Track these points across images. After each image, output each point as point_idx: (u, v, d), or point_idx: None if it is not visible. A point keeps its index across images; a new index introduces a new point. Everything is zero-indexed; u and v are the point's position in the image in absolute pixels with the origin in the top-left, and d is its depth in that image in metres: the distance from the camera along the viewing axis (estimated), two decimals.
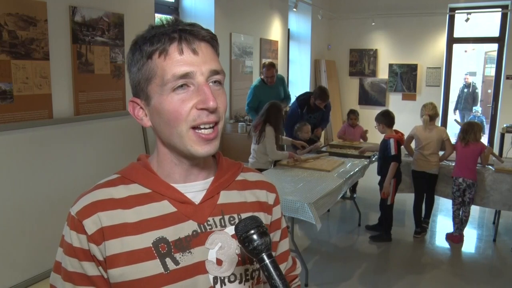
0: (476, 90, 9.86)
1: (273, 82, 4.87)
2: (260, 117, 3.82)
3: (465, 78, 9.83)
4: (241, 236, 0.70)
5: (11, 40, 2.56)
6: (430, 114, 4.08)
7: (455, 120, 5.97)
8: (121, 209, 0.77)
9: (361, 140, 5.43)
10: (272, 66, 4.80)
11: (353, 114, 5.51)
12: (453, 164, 4.18)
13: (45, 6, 2.75)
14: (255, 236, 0.69)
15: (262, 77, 4.94)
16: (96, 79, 3.19)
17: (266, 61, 5.14)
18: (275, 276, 0.68)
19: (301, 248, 3.71)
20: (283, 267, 0.96)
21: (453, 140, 4.25)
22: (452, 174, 4.04)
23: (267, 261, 0.69)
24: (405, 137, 4.19)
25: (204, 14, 4.86)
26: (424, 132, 4.09)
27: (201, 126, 0.75)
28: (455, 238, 4.03)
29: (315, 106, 4.81)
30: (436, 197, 4.37)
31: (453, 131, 7.39)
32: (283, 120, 4.07)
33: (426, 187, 4.19)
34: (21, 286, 2.42)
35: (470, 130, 3.90)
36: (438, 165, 4.10)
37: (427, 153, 4.05)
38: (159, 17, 4.27)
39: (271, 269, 0.69)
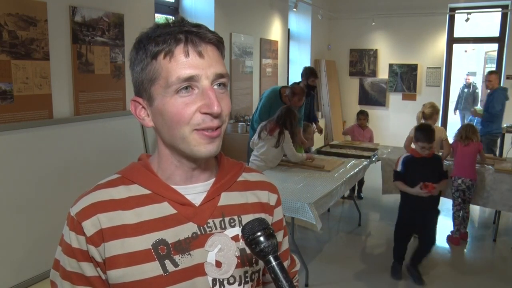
0: (477, 90, 9.83)
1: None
2: (276, 120, 3.75)
3: (466, 79, 9.78)
4: (248, 238, 0.70)
5: (11, 40, 2.56)
6: (425, 112, 4.08)
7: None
8: (121, 210, 0.77)
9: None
10: (303, 95, 4.33)
11: (362, 114, 5.48)
12: (448, 162, 4.19)
13: (45, 6, 2.75)
14: (262, 238, 0.69)
15: (285, 95, 4.31)
16: (96, 79, 3.19)
17: (296, 87, 4.39)
18: (281, 279, 0.68)
19: (302, 248, 3.71)
20: (285, 265, 0.97)
21: (450, 140, 4.25)
22: (451, 174, 4.03)
23: (273, 263, 0.69)
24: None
25: (204, 14, 4.86)
26: None
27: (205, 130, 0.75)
28: (455, 240, 4.03)
29: (308, 89, 4.84)
30: None
31: (453, 131, 7.39)
32: (297, 125, 3.99)
33: None
34: (21, 286, 2.42)
35: (471, 130, 3.94)
36: None
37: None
38: (161, 17, 4.27)
39: (278, 271, 0.69)
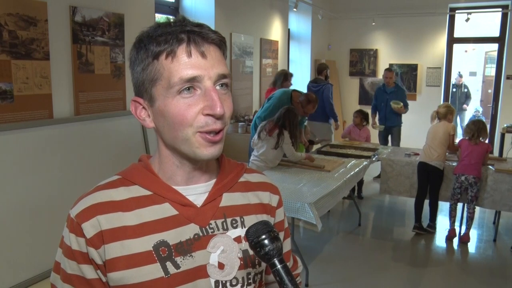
0: (465, 90, 9.52)
1: (305, 116, 4.53)
2: (276, 121, 3.75)
3: (458, 79, 9.46)
4: (253, 241, 0.70)
5: (12, 40, 2.55)
6: (439, 111, 4.12)
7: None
8: (121, 211, 0.76)
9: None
10: (316, 103, 4.35)
11: (358, 114, 5.49)
12: (451, 164, 4.18)
13: (45, 6, 2.74)
14: (266, 241, 0.69)
15: (297, 101, 4.28)
16: (96, 79, 3.19)
17: (312, 94, 4.44)
18: (287, 281, 0.68)
19: (302, 248, 3.71)
20: None
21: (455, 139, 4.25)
22: (454, 171, 4.02)
23: (279, 266, 0.69)
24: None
25: (204, 14, 4.86)
26: (432, 127, 4.14)
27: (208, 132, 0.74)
28: (452, 232, 4.04)
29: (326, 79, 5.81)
30: None
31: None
32: (298, 126, 3.99)
33: (430, 185, 4.15)
34: (21, 286, 2.42)
35: (483, 128, 3.90)
36: (441, 159, 4.06)
37: (431, 144, 4.05)
38: (162, 17, 4.26)
39: (283, 274, 0.69)
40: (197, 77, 0.71)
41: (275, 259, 0.69)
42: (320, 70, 5.90)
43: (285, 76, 5.20)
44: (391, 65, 7.87)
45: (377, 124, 6.03)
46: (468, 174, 3.88)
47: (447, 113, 4.09)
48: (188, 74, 0.71)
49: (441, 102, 7.72)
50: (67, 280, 0.77)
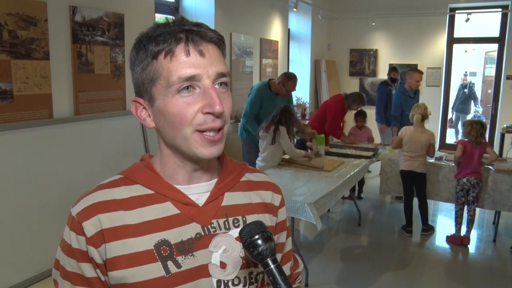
0: (473, 91, 9.48)
1: (288, 95, 4.49)
2: (272, 118, 3.79)
3: (463, 79, 9.47)
4: (246, 241, 0.70)
5: (11, 40, 2.55)
6: (422, 114, 4.08)
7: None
8: (123, 210, 0.76)
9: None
10: (296, 80, 4.32)
11: (359, 116, 5.48)
12: (452, 164, 4.17)
13: (45, 6, 2.74)
14: (259, 241, 0.69)
15: (278, 83, 4.28)
16: (96, 79, 3.19)
17: (289, 72, 4.37)
18: (280, 281, 0.68)
19: (302, 248, 3.71)
20: (288, 266, 0.96)
21: (452, 139, 4.23)
22: (455, 176, 4.01)
23: (272, 266, 0.69)
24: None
25: (204, 14, 4.86)
26: (414, 134, 4.08)
27: (207, 131, 0.74)
28: (457, 239, 4.01)
29: (392, 82, 6.07)
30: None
31: (448, 132, 7.37)
32: (294, 126, 4.00)
33: (416, 188, 4.18)
34: (21, 286, 2.42)
35: (484, 131, 3.88)
36: (424, 165, 4.11)
37: (413, 154, 4.06)
38: (162, 17, 4.26)
39: (276, 274, 0.69)
40: (196, 75, 0.72)
41: (268, 259, 0.69)
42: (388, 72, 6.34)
43: (358, 100, 4.98)
44: (391, 65, 7.87)
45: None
46: (469, 175, 3.88)
47: (427, 114, 4.10)
48: (187, 73, 0.71)
49: (441, 103, 7.74)
50: (67, 277, 0.77)
